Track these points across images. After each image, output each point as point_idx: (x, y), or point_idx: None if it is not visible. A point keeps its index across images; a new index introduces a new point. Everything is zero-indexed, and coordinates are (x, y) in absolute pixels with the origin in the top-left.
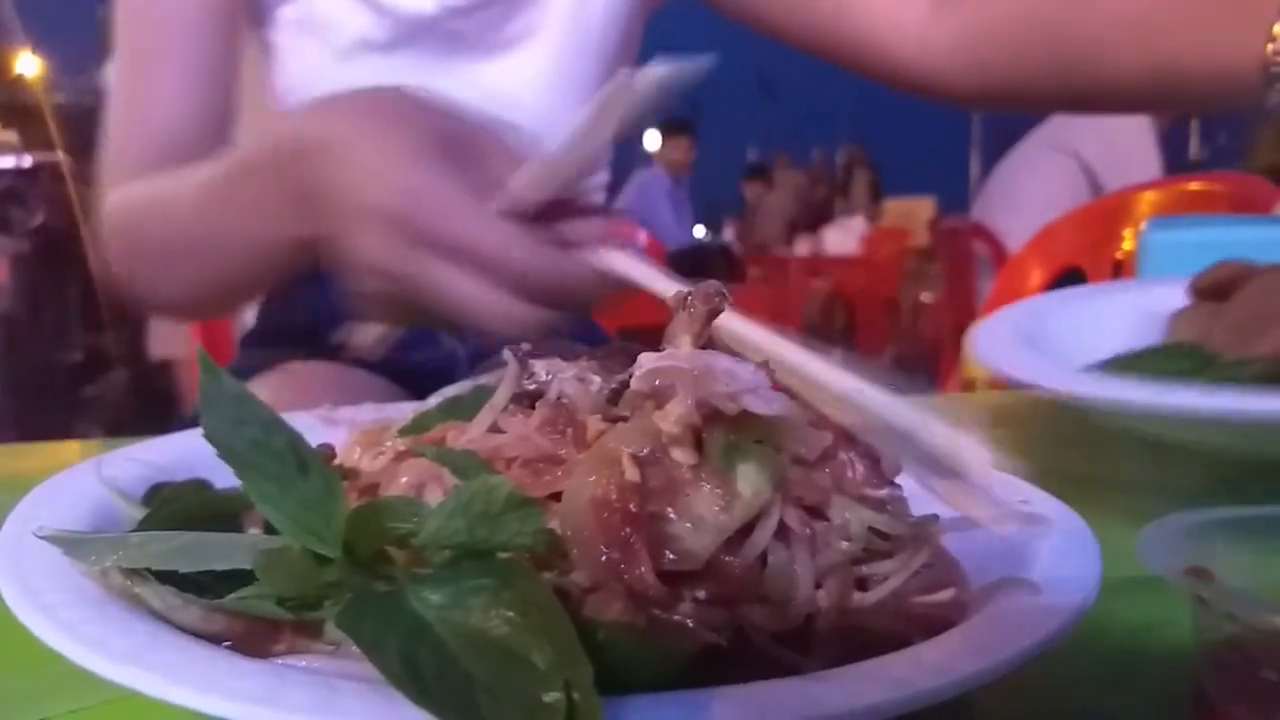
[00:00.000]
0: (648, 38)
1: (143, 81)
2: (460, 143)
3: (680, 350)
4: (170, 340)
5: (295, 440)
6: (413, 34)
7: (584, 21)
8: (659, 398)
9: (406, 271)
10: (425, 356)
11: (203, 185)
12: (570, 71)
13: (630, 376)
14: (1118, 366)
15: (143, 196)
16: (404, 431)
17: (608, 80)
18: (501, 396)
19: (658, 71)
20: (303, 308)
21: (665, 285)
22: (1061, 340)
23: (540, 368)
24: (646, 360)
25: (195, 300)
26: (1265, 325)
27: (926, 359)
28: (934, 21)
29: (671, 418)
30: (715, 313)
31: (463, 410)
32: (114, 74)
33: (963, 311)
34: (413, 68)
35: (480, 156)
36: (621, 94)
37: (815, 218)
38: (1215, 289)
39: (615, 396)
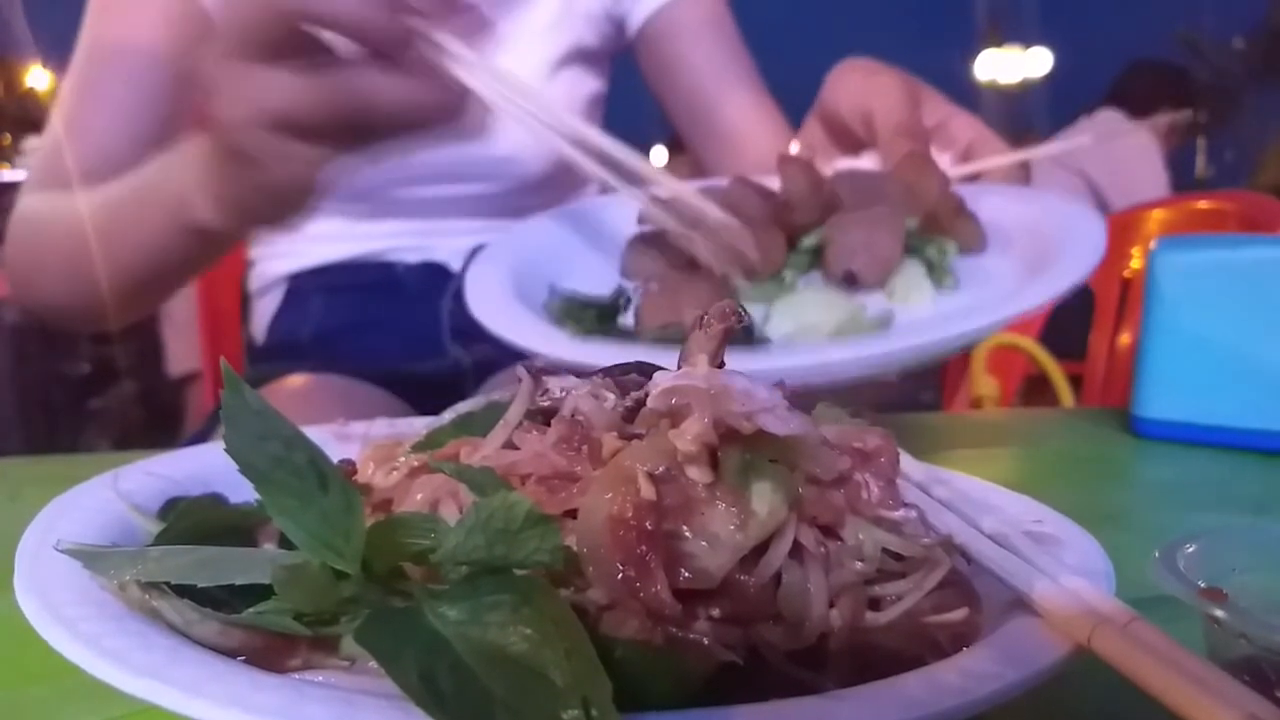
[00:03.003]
0: None
1: (88, 106)
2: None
3: (696, 369)
4: (186, 356)
5: (316, 456)
6: None
7: (571, 27)
8: (675, 416)
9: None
10: (431, 369)
11: (114, 189)
12: (559, 74)
13: (645, 394)
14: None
15: (51, 203)
16: (417, 447)
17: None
18: (515, 413)
19: None
20: (310, 323)
21: None
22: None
23: (554, 384)
24: (662, 379)
25: (90, 302)
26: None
27: (933, 376)
28: None
29: (688, 436)
30: (731, 332)
31: (475, 426)
32: (63, 93)
33: None
34: None
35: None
36: None
37: None
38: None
39: (631, 414)
